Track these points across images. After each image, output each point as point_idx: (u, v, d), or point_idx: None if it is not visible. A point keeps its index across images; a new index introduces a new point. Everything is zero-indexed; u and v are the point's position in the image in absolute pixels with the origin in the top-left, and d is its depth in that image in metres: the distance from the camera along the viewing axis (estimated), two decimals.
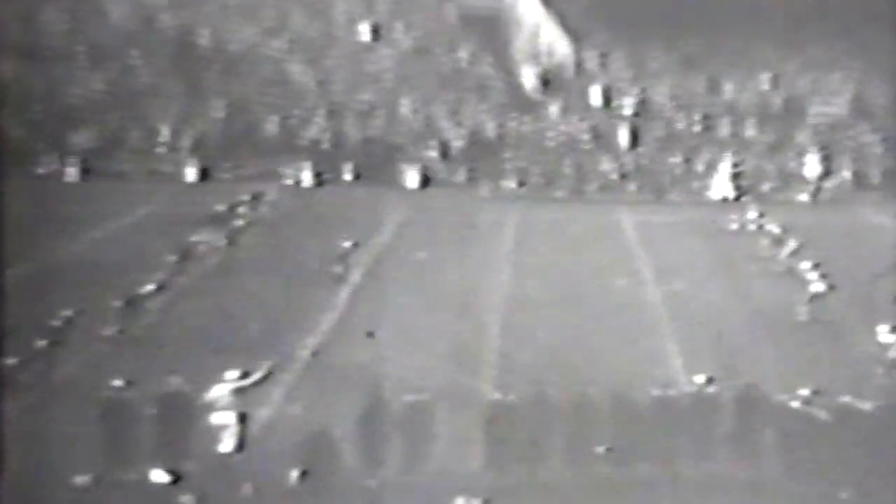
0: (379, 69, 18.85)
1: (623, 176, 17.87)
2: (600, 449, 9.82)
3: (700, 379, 11.02)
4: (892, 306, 12.63)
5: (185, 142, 18.79)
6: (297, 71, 19.14)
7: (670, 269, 14.59)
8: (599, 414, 10.25)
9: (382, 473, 9.45)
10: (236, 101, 18.76)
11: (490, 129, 18.12)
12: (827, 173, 15.99)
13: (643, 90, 17.60)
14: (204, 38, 18.95)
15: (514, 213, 17.17)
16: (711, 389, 10.69)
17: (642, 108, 17.79)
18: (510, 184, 18.09)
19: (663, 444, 9.93)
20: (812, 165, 16.07)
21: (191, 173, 19.00)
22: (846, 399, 10.40)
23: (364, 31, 19.20)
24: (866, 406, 10.22)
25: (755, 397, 10.59)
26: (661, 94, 17.67)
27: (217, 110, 18.87)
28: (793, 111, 16.93)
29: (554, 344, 11.92)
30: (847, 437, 9.75)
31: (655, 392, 10.71)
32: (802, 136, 16.77)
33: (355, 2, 19.33)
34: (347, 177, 18.82)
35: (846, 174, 15.67)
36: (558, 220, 16.75)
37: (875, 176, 15.63)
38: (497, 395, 10.59)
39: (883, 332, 11.82)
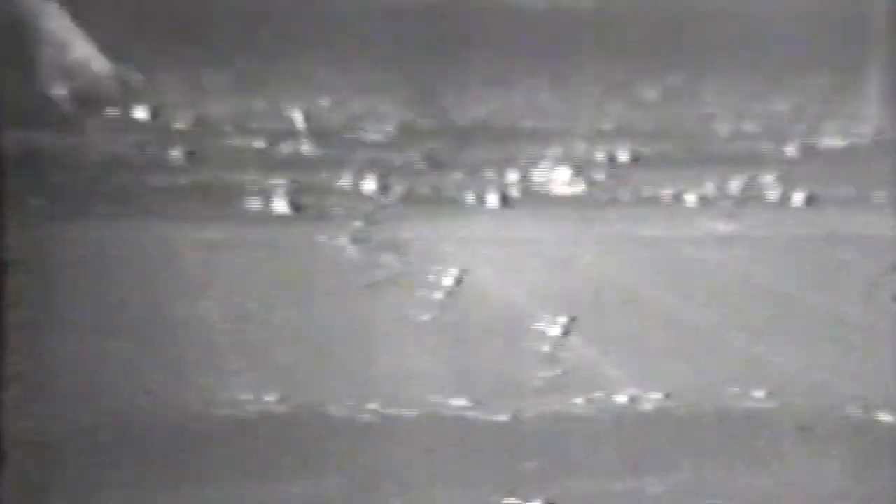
0: None
1: (180, 193, 17.61)
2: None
3: (272, 397, 10.99)
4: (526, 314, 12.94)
5: None
6: None
7: (238, 288, 14.41)
8: (155, 439, 10.02)
9: None
10: None
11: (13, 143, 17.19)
12: (383, 190, 16.50)
13: (199, 108, 17.43)
14: None
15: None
16: (283, 408, 10.68)
17: (198, 125, 17.60)
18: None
19: (233, 467, 9.83)
20: (369, 183, 16.56)
21: None
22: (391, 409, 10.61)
23: None
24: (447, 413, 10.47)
25: (319, 414, 10.67)
26: (218, 113, 17.53)
27: None
28: (348, 131, 17.29)
29: (97, 368, 11.49)
30: (401, 447, 10.01)
31: (223, 412, 10.59)
32: (359, 155, 17.19)
33: None
34: None
35: (399, 190, 16.27)
36: (102, 238, 16.15)
37: (425, 190, 16.30)
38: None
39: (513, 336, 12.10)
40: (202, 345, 12.19)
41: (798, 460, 8.87)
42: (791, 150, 14.98)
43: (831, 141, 15.03)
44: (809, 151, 14.98)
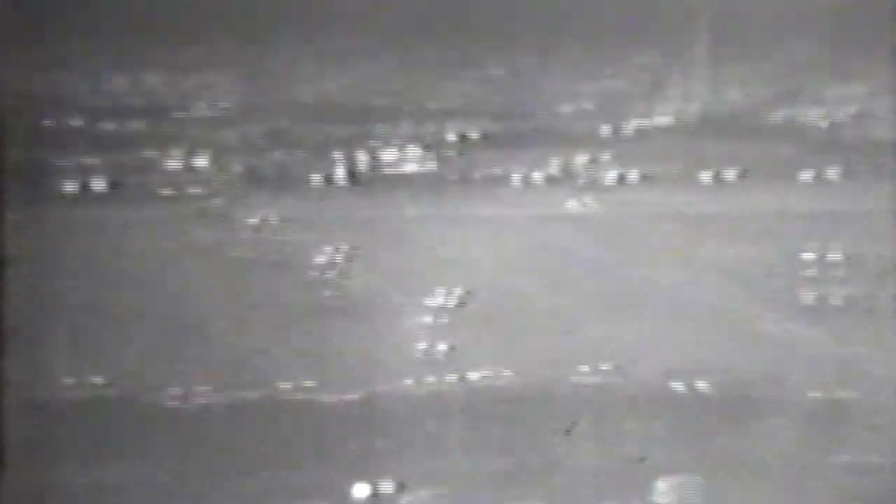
0: None
1: None
2: None
3: (98, 380, 10.60)
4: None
5: None
6: None
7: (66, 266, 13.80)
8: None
9: None
10: None
11: None
12: (220, 169, 15.96)
13: (9, 84, 16.61)
14: None
15: None
16: (109, 392, 10.31)
17: (9, 101, 16.79)
18: None
19: (52, 454, 9.46)
20: (202, 160, 15.99)
21: None
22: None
23: None
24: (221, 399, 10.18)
25: (147, 398, 10.33)
26: (31, 89, 16.73)
27: None
28: (180, 108, 16.68)
29: None
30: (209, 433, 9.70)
31: (42, 396, 10.16)
32: (192, 132, 16.53)
33: None
34: None
35: (239, 168, 15.70)
36: None
37: (266, 170, 15.76)
38: None
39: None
40: (18, 327, 11.65)
41: (636, 435, 9.03)
42: (627, 129, 15.23)
43: (662, 120, 15.37)
44: (642, 130, 15.27)
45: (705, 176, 15.02)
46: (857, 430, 8.88)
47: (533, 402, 9.21)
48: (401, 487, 7.95)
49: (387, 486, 8.05)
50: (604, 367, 9.47)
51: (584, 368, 9.53)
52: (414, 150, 14.80)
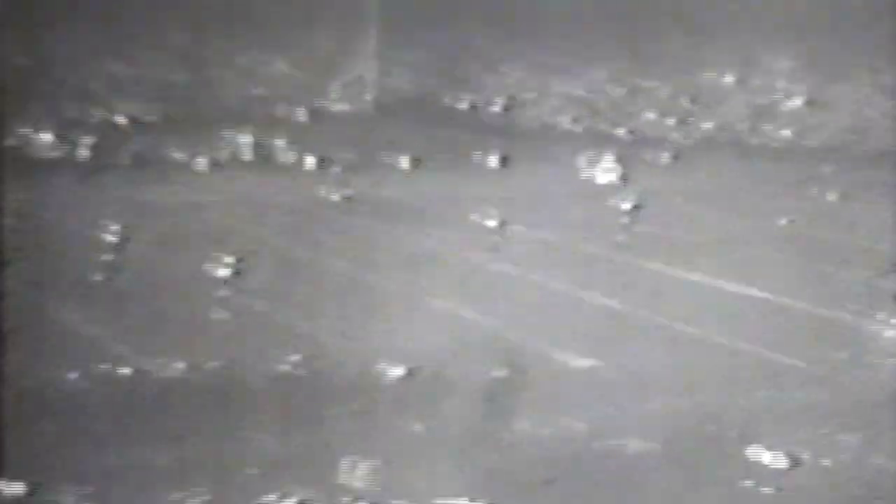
0: None
1: None
2: None
3: None
4: None
5: None
6: None
7: None
8: None
9: None
10: None
11: None
12: None
13: None
14: None
15: None
16: None
17: None
18: None
19: None
20: None
21: None
22: None
23: None
24: None
25: None
26: None
27: None
28: None
29: None
30: None
31: None
32: None
33: None
34: None
35: None
36: None
37: None
38: None
39: None
40: None
41: (324, 422, 8.30)
42: (301, 114, 14.53)
43: (338, 106, 14.76)
44: (318, 116, 14.63)
45: (383, 162, 14.14)
46: (518, 405, 8.44)
47: (210, 393, 8.35)
48: (35, 487, 6.88)
49: (17, 487, 6.98)
50: (294, 358, 8.69)
51: (275, 359, 8.74)
52: (48, 135, 13.21)
